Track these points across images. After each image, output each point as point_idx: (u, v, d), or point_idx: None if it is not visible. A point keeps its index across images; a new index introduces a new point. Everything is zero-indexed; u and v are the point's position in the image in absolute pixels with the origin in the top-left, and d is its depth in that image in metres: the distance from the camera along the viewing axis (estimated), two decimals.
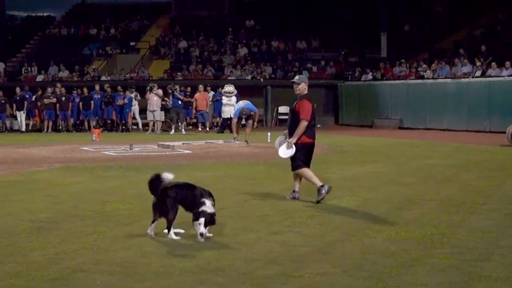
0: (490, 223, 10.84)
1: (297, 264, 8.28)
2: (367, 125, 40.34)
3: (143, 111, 38.62)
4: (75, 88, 39.94)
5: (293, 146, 12.93)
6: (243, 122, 27.02)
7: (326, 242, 9.57)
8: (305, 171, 13.07)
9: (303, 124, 12.93)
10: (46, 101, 38.32)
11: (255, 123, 26.59)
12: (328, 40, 50.57)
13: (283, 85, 42.94)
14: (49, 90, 38.75)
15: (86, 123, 39.38)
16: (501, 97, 32.91)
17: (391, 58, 44.70)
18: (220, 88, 38.08)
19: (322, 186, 12.86)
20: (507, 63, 34.82)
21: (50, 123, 38.51)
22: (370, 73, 43.42)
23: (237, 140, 26.32)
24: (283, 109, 42.43)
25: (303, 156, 13.06)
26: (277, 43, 49.55)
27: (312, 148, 13.33)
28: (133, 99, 38.75)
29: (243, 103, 27.06)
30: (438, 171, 17.79)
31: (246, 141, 26.04)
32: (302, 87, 13.16)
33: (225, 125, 36.16)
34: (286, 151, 13.03)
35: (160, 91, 37.04)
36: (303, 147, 13.04)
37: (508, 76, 34.11)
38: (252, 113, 26.42)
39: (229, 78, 43.31)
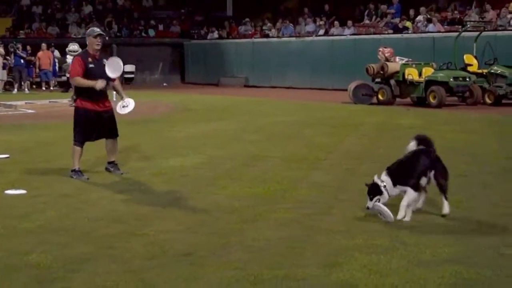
0: (331, 178, 11.12)
1: (141, 222, 8.26)
2: (214, 84, 40.46)
3: None
4: None
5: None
6: None
7: (169, 199, 9.58)
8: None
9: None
10: None
11: None
12: None
13: (129, 43, 42.61)
14: None
15: None
16: (343, 55, 33.64)
17: (237, 17, 44.87)
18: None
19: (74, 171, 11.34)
20: (349, 22, 35.66)
21: None
22: (216, 32, 43.52)
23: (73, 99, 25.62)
24: (129, 67, 41.99)
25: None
26: (122, 1, 48.85)
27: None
28: None
29: None
30: (282, 128, 18.06)
31: None
32: None
33: (70, 84, 35.49)
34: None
35: (1, 50, 35.91)
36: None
37: (350, 35, 34.94)
38: None
39: (74, 36, 42.40)
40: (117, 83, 11.80)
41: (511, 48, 26.47)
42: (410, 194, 8.16)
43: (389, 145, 14.49)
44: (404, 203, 8.15)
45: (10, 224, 8.20)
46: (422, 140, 8.50)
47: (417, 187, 8.21)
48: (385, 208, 8.13)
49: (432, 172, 8.27)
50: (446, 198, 8.30)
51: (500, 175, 11.16)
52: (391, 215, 8.08)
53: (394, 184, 8.22)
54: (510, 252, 6.89)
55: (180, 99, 29.07)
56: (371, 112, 22.34)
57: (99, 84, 11.01)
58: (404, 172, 8.28)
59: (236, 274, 6.29)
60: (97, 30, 11.65)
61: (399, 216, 8.11)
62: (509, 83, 24.16)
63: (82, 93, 11.30)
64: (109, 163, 11.74)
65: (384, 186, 8.20)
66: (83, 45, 34.81)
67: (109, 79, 11.40)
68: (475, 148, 14.06)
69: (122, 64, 11.36)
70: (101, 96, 11.32)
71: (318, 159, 12.93)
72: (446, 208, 8.26)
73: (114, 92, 13.05)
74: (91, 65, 11.17)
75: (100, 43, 11.32)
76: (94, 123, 11.32)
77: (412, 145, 8.44)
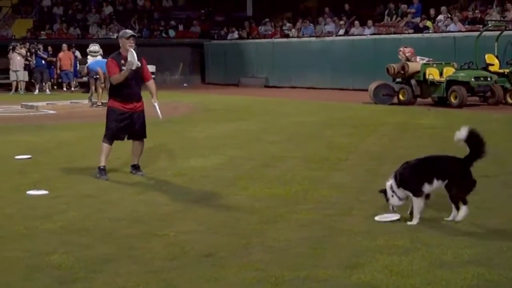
0: (351, 178, 11.10)
1: (162, 223, 8.29)
2: (234, 84, 40.43)
3: (5, 71, 37.60)
4: None
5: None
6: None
7: (190, 200, 9.59)
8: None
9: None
10: None
11: (102, 84, 25.02)
12: None
13: (150, 44, 42.66)
14: None
15: None
16: (364, 55, 33.50)
17: (257, 17, 44.86)
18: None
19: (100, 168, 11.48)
20: (370, 22, 35.57)
21: None
22: (236, 32, 43.54)
23: (92, 100, 25.67)
24: (150, 68, 41.82)
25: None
26: (142, 1, 48.91)
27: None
28: None
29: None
30: (302, 129, 18.04)
31: (96, 102, 25.13)
32: None
33: (90, 85, 35.60)
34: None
35: (23, 51, 36.12)
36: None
37: (370, 34, 34.85)
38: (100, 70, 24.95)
39: (94, 37, 42.51)
40: (151, 84, 11.84)
41: None
42: (415, 200, 8.08)
43: (410, 145, 14.45)
44: (416, 213, 8.07)
45: (32, 225, 8.25)
46: (472, 135, 7.96)
47: (418, 193, 8.06)
48: (388, 216, 8.21)
49: (446, 182, 8.02)
50: (456, 208, 8.07)
51: None
52: (396, 215, 8.18)
53: (398, 186, 8.17)
54: None
55: (201, 100, 29.10)
56: (392, 112, 22.25)
57: (128, 65, 11.14)
58: (408, 174, 8.19)
59: (257, 275, 6.30)
60: (129, 31, 11.88)
61: (411, 223, 8.05)
62: None
63: (114, 93, 11.47)
64: (132, 166, 11.77)
65: (393, 191, 8.20)
66: (103, 46, 35.15)
67: (142, 80, 11.67)
68: (496, 148, 13.94)
69: (135, 54, 11.33)
70: (133, 96, 11.42)
71: (338, 159, 12.90)
72: (455, 215, 8.09)
73: None
74: (123, 67, 11.26)
75: (132, 44, 11.46)
76: (124, 122, 11.40)
77: (462, 133, 7.95)
